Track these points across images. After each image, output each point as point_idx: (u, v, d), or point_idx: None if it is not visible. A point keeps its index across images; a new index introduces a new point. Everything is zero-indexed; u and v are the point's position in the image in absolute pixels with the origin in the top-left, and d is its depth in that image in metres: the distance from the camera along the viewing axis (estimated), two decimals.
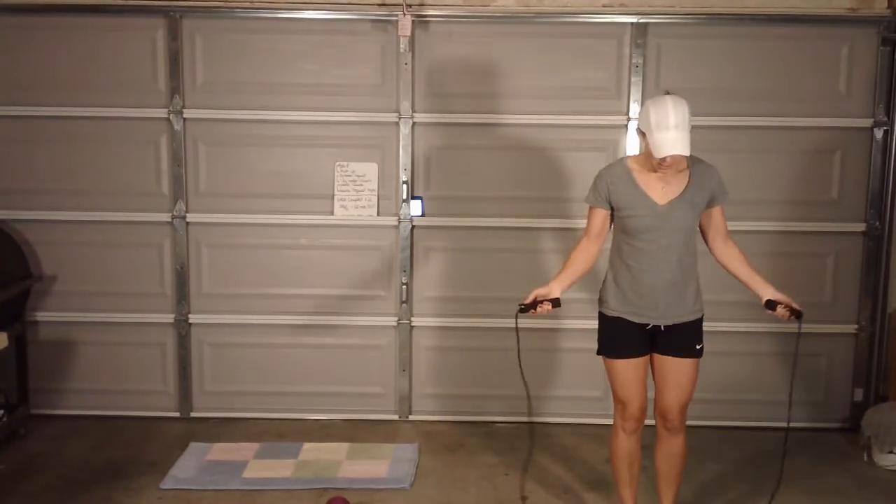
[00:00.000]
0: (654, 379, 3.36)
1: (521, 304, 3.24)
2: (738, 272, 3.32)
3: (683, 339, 3.26)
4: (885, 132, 4.51)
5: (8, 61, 4.54)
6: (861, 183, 4.57)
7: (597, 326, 3.37)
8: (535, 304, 3.22)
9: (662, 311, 3.22)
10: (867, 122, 4.52)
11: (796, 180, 4.57)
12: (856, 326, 4.66)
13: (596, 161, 4.55)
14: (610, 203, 3.23)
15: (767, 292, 3.25)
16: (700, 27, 4.45)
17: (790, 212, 4.55)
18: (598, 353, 3.39)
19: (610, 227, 3.31)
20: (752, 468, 4.18)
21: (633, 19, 4.46)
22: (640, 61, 4.46)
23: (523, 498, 3.86)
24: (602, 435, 4.58)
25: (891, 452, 4.18)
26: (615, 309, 3.27)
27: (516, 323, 3.27)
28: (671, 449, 3.39)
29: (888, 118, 4.49)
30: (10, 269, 4.41)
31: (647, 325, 3.24)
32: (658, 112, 3.03)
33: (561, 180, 4.59)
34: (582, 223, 4.39)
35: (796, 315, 3.21)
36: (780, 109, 4.51)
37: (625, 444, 3.40)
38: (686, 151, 3.03)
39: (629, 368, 3.29)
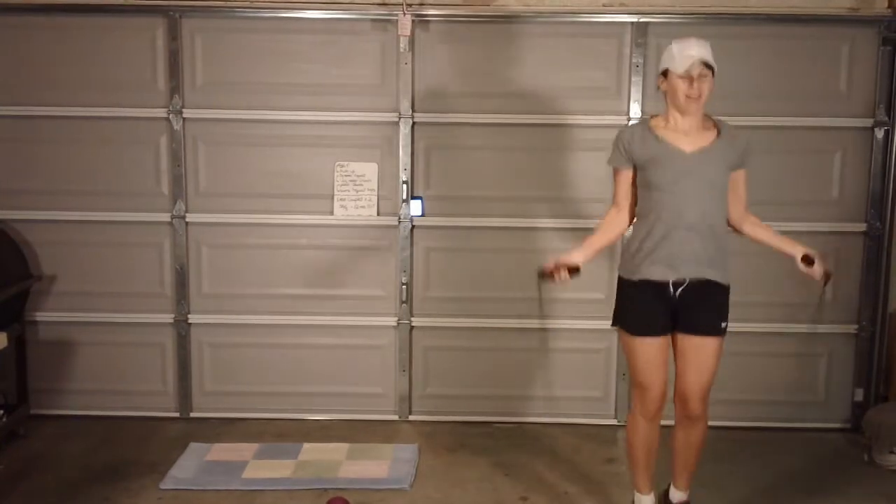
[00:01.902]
0: (675, 361, 3.25)
1: (540, 269, 3.18)
2: (762, 237, 3.28)
3: (707, 315, 3.17)
4: (886, 132, 4.51)
5: (8, 61, 4.53)
6: (861, 183, 4.57)
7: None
8: (554, 271, 3.16)
9: (687, 263, 3.10)
10: (867, 122, 4.52)
11: (796, 180, 4.57)
12: (856, 326, 4.66)
13: (596, 161, 4.56)
14: (633, 161, 3.17)
15: (800, 249, 3.21)
16: (700, 27, 4.44)
17: (790, 212, 4.55)
18: (614, 324, 3.29)
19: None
20: (755, 468, 4.18)
21: (634, 19, 4.45)
22: (641, 61, 4.46)
23: (523, 498, 3.86)
24: (602, 435, 4.59)
25: (891, 452, 4.17)
26: (640, 272, 3.15)
27: (539, 289, 3.20)
28: (691, 436, 3.31)
29: (888, 118, 4.49)
30: (10, 269, 4.41)
31: (670, 284, 3.11)
32: (680, 42, 3.09)
33: (561, 180, 4.58)
34: (582, 223, 4.44)
35: (827, 277, 3.20)
36: (780, 109, 4.51)
37: (643, 431, 3.31)
38: (709, 56, 3.03)
39: (651, 348, 3.19)
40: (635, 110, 4.49)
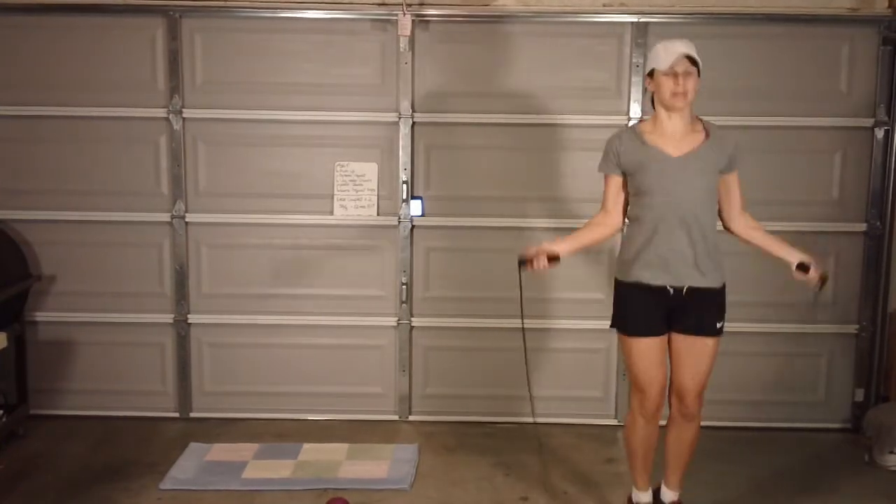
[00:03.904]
0: (670, 360, 3.28)
1: (521, 257, 3.20)
2: (760, 242, 3.28)
3: (704, 315, 3.19)
4: (886, 132, 4.51)
5: (8, 61, 4.53)
6: (862, 183, 4.57)
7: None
8: (531, 258, 3.18)
9: (682, 272, 3.14)
10: (868, 122, 4.52)
11: (796, 180, 4.57)
12: (856, 326, 4.66)
13: (596, 161, 4.53)
14: (622, 168, 3.19)
15: (796, 256, 3.22)
16: (700, 27, 4.44)
17: (790, 212, 4.55)
18: (613, 325, 3.32)
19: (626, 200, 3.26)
20: (754, 468, 4.18)
21: (634, 19, 4.45)
22: (641, 61, 4.46)
23: (523, 498, 3.85)
24: (602, 435, 4.59)
25: (891, 452, 4.17)
26: (634, 274, 3.19)
27: (519, 276, 3.22)
28: (685, 434, 3.34)
29: (888, 118, 4.48)
30: (10, 269, 4.41)
31: (667, 289, 3.14)
32: (666, 42, 3.13)
33: (561, 180, 4.58)
34: (582, 223, 4.42)
35: (823, 280, 3.21)
36: (780, 109, 4.51)
37: (643, 430, 3.34)
38: (693, 52, 3.06)
39: (648, 348, 3.21)
40: (635, 110, 4.49)
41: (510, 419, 4.71)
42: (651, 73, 3.17)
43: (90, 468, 4.10)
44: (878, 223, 4.56)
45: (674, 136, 3.16)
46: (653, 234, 3.16)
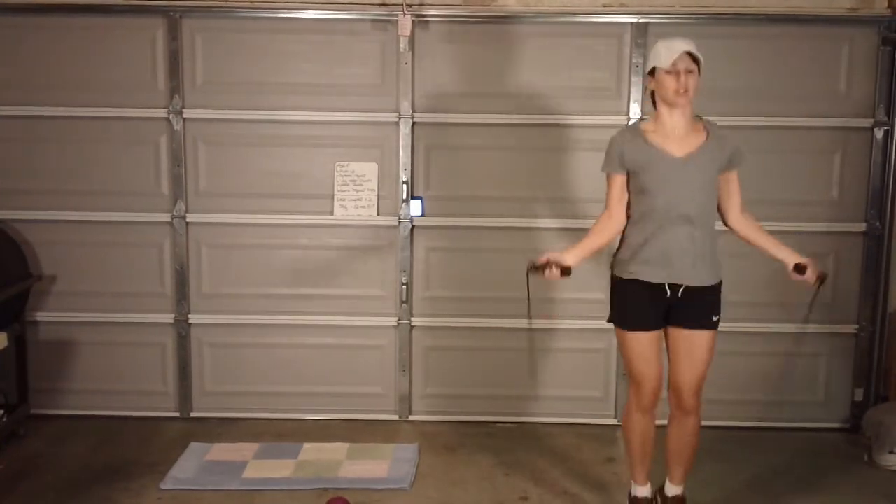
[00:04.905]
0: (668, 354, 3.29)
1: (531, 264, 3.20)
2: (758, 241, 3.29)
3: (700, 310, 3.21)
4: (886, 132, 4.51)
5: (8, 61, 4.53)
6: (861, 183, 4.57)
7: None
8: (545, 267, 3.17)
9: (682, 271, 3.15)
10: (867, 122, 4.52)
11: (796, 180, 4.57)
12: (856, 326, 4.66)
13: (596, 161, 4.53)
14: (625, 167, 3.20)
15: (793, 257, 3.23)
16: (700, 27, 4.44)
17: (790, 212, 4.55)
18: (610, 320, 3.33)
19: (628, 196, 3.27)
20: (755, 468, 4.18)
21: (633, 19, 4.45)
22: (641, 61, 4.46)
23: (523, 498, 3.86)
24: (602, 435, 4.59)
25: (891, 452, 4.18)
26: (632, 271, 3.20)
27: (528, 281, 3.21)
28: (685, 430, 3.34)
29: (888, 118, 4.49)
30: (10, 269, 4.41)
31: (665, 285, 3.16)
32: (667, 40, 3.14)
33: (561, 180, 4.58)
34: (582, 223, 4.44)
35: (821, 279, 3.21)
36: (780, 109, 4.51)
37: (639, 424, 3.35)
38: (694, 49, 3.07)
39: (644, 342, 3.23)
40: (635, 110, 4.50)
41: (510, 419, 4.72)
42: (652, 72, 3.17)
43: (90, 468, 4.10)
44: (878, 223, 4.57)
45: (676, 134, 3.17)
46: (654, 231, 3.17)
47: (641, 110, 4.48)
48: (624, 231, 3.33)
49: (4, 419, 4.26)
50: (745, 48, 4.47)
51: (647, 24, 4.45)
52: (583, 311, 4.61)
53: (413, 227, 4.62)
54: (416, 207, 4.60)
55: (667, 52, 3.10)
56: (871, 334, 4.65)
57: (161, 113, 4.56)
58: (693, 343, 3.24)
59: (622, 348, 3.34)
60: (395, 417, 4.76)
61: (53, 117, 4.56)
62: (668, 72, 3.09)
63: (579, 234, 4.50)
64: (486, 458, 4.27)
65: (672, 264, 3.17)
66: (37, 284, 4.61)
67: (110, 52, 4.52)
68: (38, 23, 4.50)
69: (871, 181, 4.56)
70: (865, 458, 4.27)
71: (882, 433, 4.20)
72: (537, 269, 3.20)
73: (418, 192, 4.61)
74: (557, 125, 4.54)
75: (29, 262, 4.60)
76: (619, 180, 3.25)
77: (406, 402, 4.75)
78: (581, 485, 3.98)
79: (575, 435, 4.58)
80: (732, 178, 3.27)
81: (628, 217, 3.30)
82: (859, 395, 4.69)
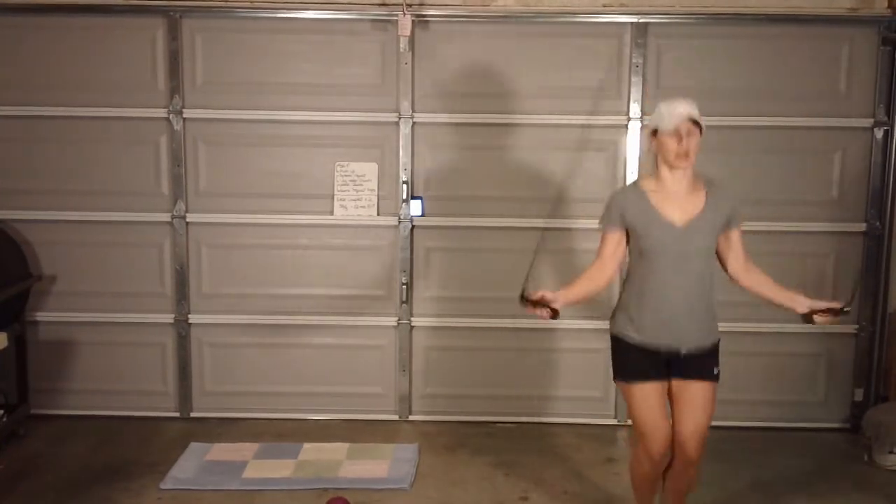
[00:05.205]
0: (671, 408, 3.27)
1: (524, 295, 3.18)
2: (767, 294, 3.28)
3: (700, 362, 3.20)
4: (886, 132, 4.51)
5: (8, 61, 4.53)
6: (861, 183, 4.57)
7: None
8: (536, 303, 3.17)
9: (681, 337, 3.16)
10: (867, 122, 4.52)
11: (796, 180, 4.57)
12: (856, 326, 4.66)
13: (596, 161, 4.57)
14: (625, 226, 3.20)
15: (802, 306, 3.24)
16: (700, 27, 4.45)
17: (790, 212, 4.55)
18: (616, 378, 3.32)
19: (626, 250, 3.26)
20: (755, 468, 4.18)
21: (633, 19, 4.45)
22: (640, 61, 4.46)
23: (523, 498, 3.86)
24: (602, 435, 4.59)
25: (891, 452, 4.18)
26: (631, 335, 3.20)
27: (521, 300, 3.19)
28: (686, 475, 3.33)
29: (888, 118, 4.49)
30: (10, 269, 4.41)
31: (667, 349, 3.16)
32: (668, 102, 3.14)
33: (561, 180, 4.58)
34: (582, 223, 4.45)
35: (841, 312, 3.20)
36: (780, 109, 4.51)
37: (649, 474, 3.32)
38: (696, 114, 3.08)
39: (649, 393, 3.20)
40: (635, 110, 4.50)
41: (510, 419, 4.72)
42: (654, 132, 3.18)
43: (90, 468, 4.10)
44: (878, 223, 4.57)
45: (678, 196, 3.16)
46: (652, 293, 3.17)
47: (641, 110, 4.48)
48: (622, 291, 3.32)
49: (4, 419, 4.26)
50: (745, 48, 4.47)
51: (647, 24, 4.45)
52: (583, 312, 4.61)
53: (413, 227, 4.62)
54: (416, 207, 4.60)
55: (669, 116, 3.10)
56: (871, 334, 4.65)
57: (161, 113, 4.56)
58: (694, 393, 3.21)
59: (628, 403, 3.30)
60: (395, 417, 4.77)
61: (53, 117, 4.56)
62: (669, 135, 3.10)
63: (579, 233, 4.54)
64: (486, 458, 4.26)
65: (670, 330, 3.17)
66: (37, 284, 4.62)
67: (110, 52, 4.52)
68: (38, 23, 4.51)
69: (871, 181, 4.56)
70: (865, 458, 4.27)
71: (882, 433, 4.21)
72: (528, 301, 3.18)
73: (418, 192, 4.61)
74: (557, 125, 4.54)
75: (29, 262, 4.60)
76: (616, 237, 3.24)
77: (406, 402, 4.76)
78: (581, 485, 3.98)
79: (575, 435, 4.58)
80: (733, 236, 3.26)
81: (626, 272, 3.29)
82: (859, 395, 4.69)
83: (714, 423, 4.37)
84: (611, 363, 3.33)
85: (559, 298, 3.19)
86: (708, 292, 3.21)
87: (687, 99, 3.14)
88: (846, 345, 4.69)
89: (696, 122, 3.10)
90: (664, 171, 3.17)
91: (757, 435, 4.60)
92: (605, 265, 3.26)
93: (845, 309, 3.20)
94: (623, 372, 3.28)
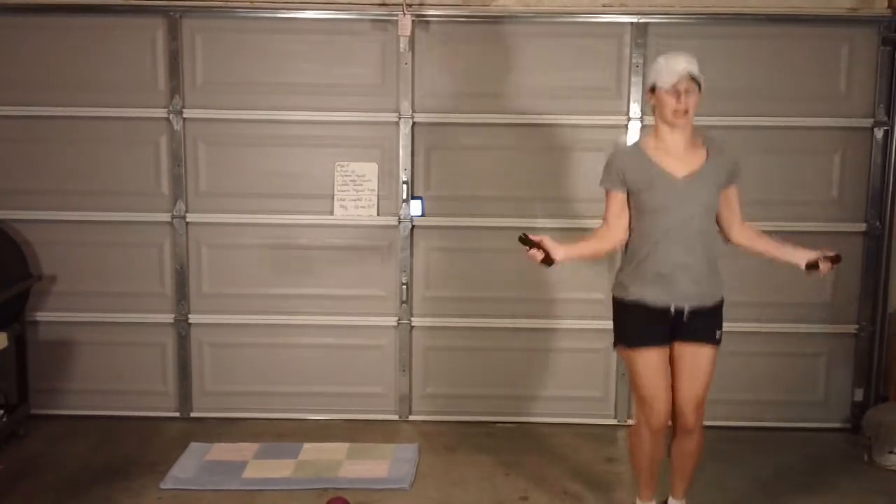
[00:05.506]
0: (671, 372, 3.26)
1: (524, 235, 3.17)
2: (763, 249, 3.29)
3: (702, 324, 3.19)
4: (886, 132, 4.51)
5: (8, 61, 4.53)
6: (861, 183, 4.57)
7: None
8: (533, 245, 3.15)
9: (685, 291, 3.14)
10: (867, 122, 4.52)
11: (796, 180, 4.57)
12: (856, 326, 4.66)
13: (596, 161, 4.53)
14: (626, 186, 3.18)
15: (802, 256, 3.24)
16: (700, 27, 4.45)
17: (790, 212, 4.55)
18: (616, 344, 3.31)
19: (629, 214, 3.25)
20: (755, 468, 4.18)
21: (633, 19, 4.45)
22: (640, 61, 4.46)
23: (523, 498, 3.86)
24: (602, 435, 4.59)
25: (891, 452, 4.18)
26: (635, 294, 3.18)
27: (520, 239, 3.20)
28: (687, 447, 3.33)
29: (888, 118, 4.49)
30: (10, 269, 4.41)
31: (669, 308, 3.14)
32: (667, 57, 3.14)
33: (561, 180, 4.58)
34: (582, 223, 4.44)
35: (836, 260, 3.24)
36: (780, 109, 4.51)
37: (648, 445, 3.31)
38: (696, 70, 3.06)
39: (652, 358, 3.18)
40: (635, 110, 4.50)
41: (510, 419, 4.72)
42: (652, 88, 3.16)
43: (90, 468, 4.10)
44: (878, 223, 4.57)
45: (677, 152, 3.16)
46: (655, 251, 3.15)
47: (641, 110, 4.48)
48: (625, 251, 3.31)
49: (4, 419, 4.26)
50: (745, 48, 4.47)
51: (647, 24, 4.45)
52: (583, 311, 4.61)
53: (413, 227, 4.62)
54: (416, 207, 4.60)
55: (667, 72, 3.09)
56: (871, 334, 4.65)
57: (161, 113, 4.56)
58: (695, 358, 3.21)
59: (629, 369, 3.30)
60: (395, 417, 4.77)
61: (53, 117, 4.56)
62: (667, 91, 3.09)
63: (579, 233, 4.52)
64: (486, 458, 4.27)
65: (675, 286, 3.15)
66: (37, 284, 4.62)
67: (110, 52, 4.52)
68: (38, 23, 4.50)
69: (871, 181, 4.56)
70: (865, 458, 4.27)
71: (882, 433, 4.21)
72: (527, 242, 3.18)
73: (418, 192, 4.61)
74: (557, 125, 4.54)
75: (29, 262, 4.60)
76: (619, 197, 3.23)
77: (406, 402, 4.76)
78: (581, 485, 3.98)
79: (575, 435, 4.58)
80: (732, 193, 3.26)
81: (629, 234, 3.28)
82: (859, 395, 4.69)
83: (714, 423, 4.38)
84: (612, 329, 3.33)
85: (560, 249, 3.18)
86: (711, 250, 3.19)
87: (687, 54, 3.12)
88: (846, 345, 4.69)
89: (695, 79, 3.09)
90: (663, 128, 3.16)
91: (757, 435, 4.60)
92: (610, 227, 3.26)
93: (839, 258, 3.27)
94: (625, 337, 3.26)
